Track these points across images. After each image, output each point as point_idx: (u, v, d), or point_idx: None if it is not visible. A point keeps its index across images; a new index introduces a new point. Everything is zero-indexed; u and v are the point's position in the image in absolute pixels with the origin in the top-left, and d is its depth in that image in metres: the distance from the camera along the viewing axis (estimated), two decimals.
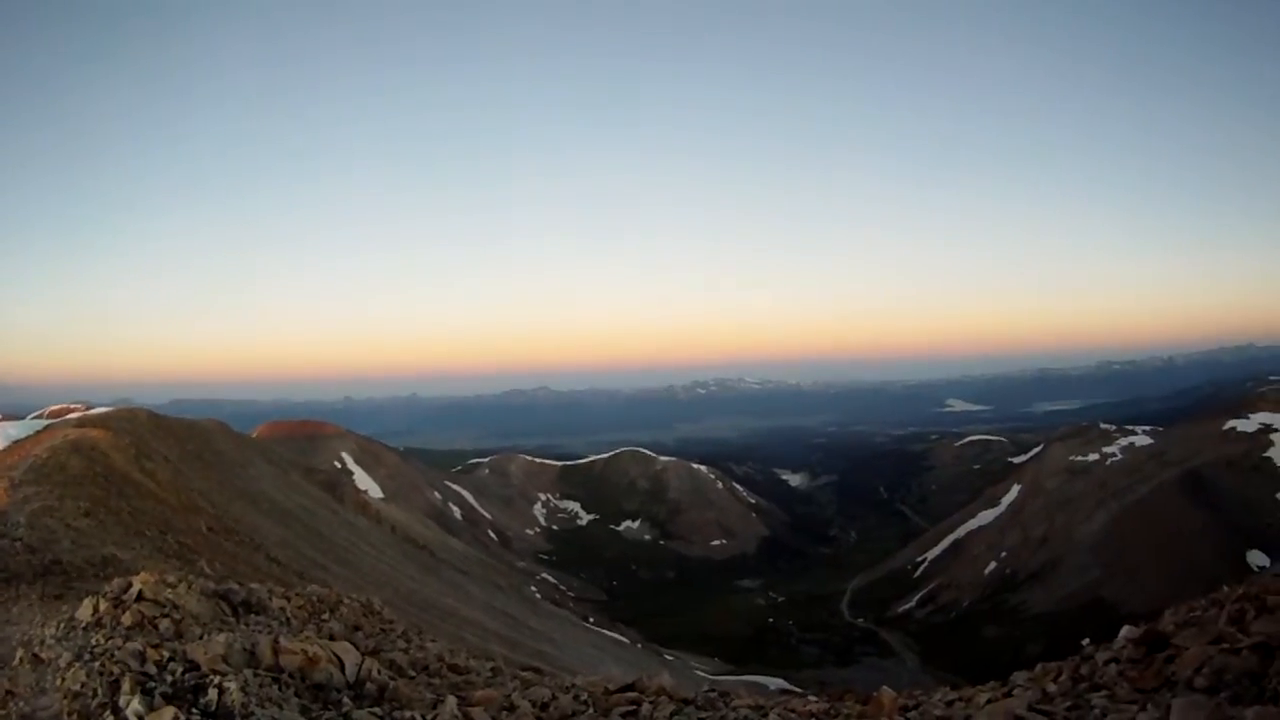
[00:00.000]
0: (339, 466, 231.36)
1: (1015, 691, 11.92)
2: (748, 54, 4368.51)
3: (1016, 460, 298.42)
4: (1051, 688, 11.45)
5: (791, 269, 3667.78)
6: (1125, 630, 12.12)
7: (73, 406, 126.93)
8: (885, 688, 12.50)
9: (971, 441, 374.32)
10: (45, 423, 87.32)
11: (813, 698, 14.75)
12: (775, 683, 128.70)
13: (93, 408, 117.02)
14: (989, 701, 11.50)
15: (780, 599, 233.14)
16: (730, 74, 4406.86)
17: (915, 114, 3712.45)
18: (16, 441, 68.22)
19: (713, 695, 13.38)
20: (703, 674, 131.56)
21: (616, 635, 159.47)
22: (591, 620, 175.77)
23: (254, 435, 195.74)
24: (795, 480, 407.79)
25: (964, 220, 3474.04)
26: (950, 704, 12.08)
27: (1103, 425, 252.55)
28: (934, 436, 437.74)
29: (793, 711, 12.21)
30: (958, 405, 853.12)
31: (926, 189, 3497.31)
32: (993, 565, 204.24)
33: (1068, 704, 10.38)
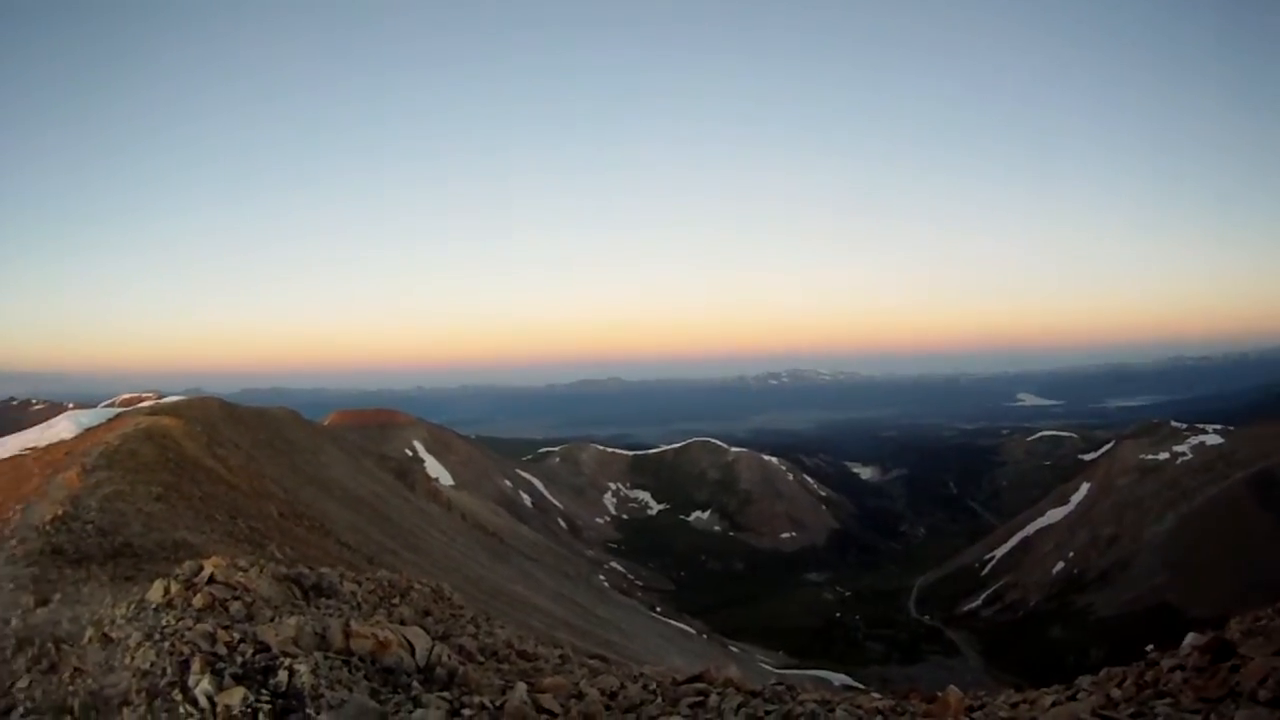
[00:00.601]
0: (410, 454, 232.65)
1: (1080, 695, 11.81)
2: (822, 38, 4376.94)
3: (1087, 457, 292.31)
4: (1116, 693, 11.32)
5: (865, 260, 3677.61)
6: (1190, 637, 12.00)
7: (144, 395, 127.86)
8: (952, 687, 12.43)
9: (1042, 437, 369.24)
10: (117, 411, 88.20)
11: (876, 695, 14.69)
12: (839, 679, 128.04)
13: (164, 397, 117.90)
14: (1054, 705, 11.42)
15: (847, 593, 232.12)
16: (801, 61, 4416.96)
17: (989, 106, 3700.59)
18: (89, 429, 68.97)
19: (780, 688, 13.23)
20: (767, 667, 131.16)
21: (683, 626, 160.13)
22: (659, 610, 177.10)
23: (325, 423, 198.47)
24: (866, 473, 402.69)
25: (1039, 213, 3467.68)
26: (1015, 706, 12.02)
27: (1174, 423, 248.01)
28: (1005, 431, 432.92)
29: (859, 708, 12.10)
30: (1029, 400, 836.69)
31: (1001, 182, 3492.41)
32: (1060, 565, 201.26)
33: (1132, 710, 10.28)
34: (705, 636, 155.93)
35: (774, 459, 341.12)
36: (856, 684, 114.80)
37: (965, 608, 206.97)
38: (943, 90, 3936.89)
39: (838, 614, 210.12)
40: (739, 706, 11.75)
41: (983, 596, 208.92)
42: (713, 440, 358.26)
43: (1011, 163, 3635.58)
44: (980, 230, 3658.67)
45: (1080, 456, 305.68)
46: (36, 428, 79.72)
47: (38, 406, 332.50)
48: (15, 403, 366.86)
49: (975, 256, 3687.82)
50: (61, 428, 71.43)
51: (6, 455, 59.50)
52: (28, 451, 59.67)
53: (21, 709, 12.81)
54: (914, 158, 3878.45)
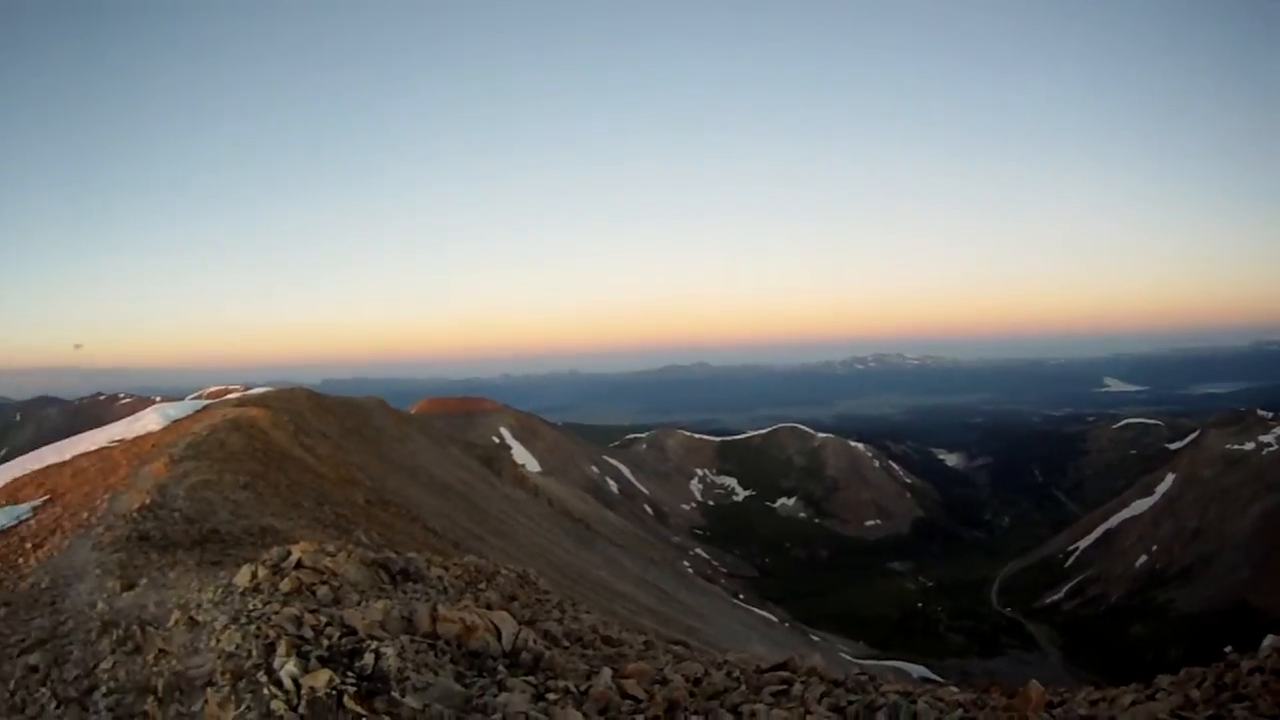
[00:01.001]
0: (497, 441, 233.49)
1: (1159, 695, 11.54)
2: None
3: (1173, 446, 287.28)
4: (1194, 694, 11.06)
5: (948, 242, 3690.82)
6: (1269, 640, 11.78)
7: (231, 388, 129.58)
8: (1034, 682, 12.31)
9: (1128, 424, 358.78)
10: (204, 403, 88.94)
11: (954, 689, 14.60)
12: (918, 670, 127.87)
13: (251, 388, 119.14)
14: (1133, 703, 11.26)
15: (930, 584, 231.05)
16: (878, 49, 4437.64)
17: (1062, 89, 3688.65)
18: (176, 421, 69.37)
19: (863, 678, 13.12)
20: (847, 657, 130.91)
21: (765, 614, 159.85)
22: (741, 597, 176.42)
23: (413, 411, 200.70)
24: (952, 460, 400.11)
25: (1125, 193, 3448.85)
26: (1094, 703, 11.88)
27: (1260, 412, 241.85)
28: (1090, 418, 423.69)
29: (940, 700, 11.98)
30: (1114, 385, 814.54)
31: (1086, 163, 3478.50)
32: (1143, 559, 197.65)
33: (1209, 713, 10.13)
34: (786, 625, 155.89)
35: (860, 445, 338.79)
36: (934, 676, 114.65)
37: (1047, 600, 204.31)
38: (1024, 71, 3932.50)
39: (919, 604, 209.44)
40: (822, 696, 11.68)
41: (1064, 589, 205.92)
42: (799, 426, 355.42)
43: (1096, 145, 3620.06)
44: (1065, 211, 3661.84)
45: (1166, 445, 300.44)
46: (124, 421, 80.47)
47: (125, 400, 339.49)
48: (103, 397, 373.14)
49: (1060, 238, 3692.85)
50: (149, 420, 71.69)
51: (94, 448, 59.76)
52: (115, 444, 59.96)
53: (104, 688, 13.25)
54: (999, 140, 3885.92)
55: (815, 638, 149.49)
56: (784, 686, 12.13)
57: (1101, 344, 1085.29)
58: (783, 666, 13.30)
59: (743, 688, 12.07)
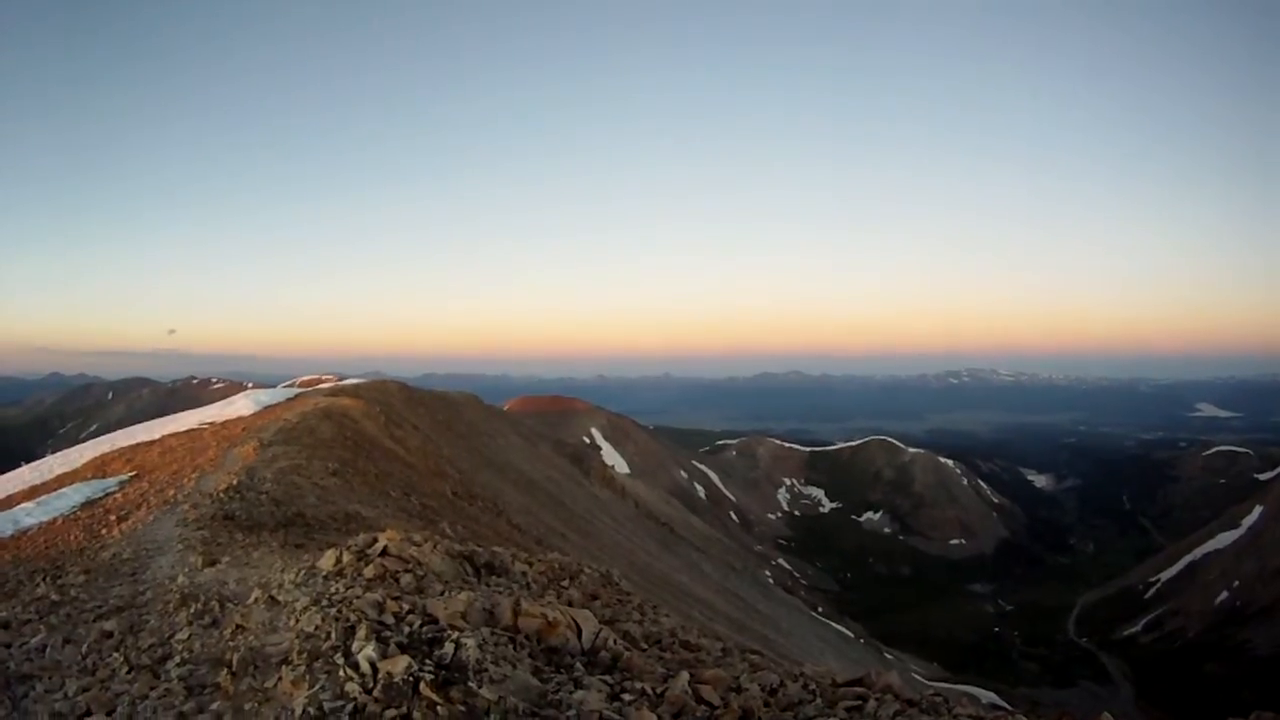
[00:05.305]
0: (588, 441, 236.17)
1: None
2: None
3: (1262, 477, 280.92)
4: None
5: (1046, 261, 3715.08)
6: None
7: (324, 377, 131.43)
8: (1106, 714, 12.18)
9: (1219, 452, 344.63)
10: (296, 391, 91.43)
11: (1022, 718, 14.52)
12: (988, 696, 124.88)
13: (344, 379, 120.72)
14: None
15: (1009, 608, 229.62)
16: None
17: (1161, 116, 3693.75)
18: (267, 407, 70.57)
19: (937, 700, 12.74)
20: (919, 677, 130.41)
21: (841, 628, 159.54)
22: (820, 611, 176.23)
23: (506, 408, 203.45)
24: (1040, 481, 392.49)
25: (1225, 215, 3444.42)
26: None
27: None
28: (1182, 444, 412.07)
29: None
30: (1207, 410, 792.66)
31: (1189, 183, 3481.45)
32: (1224, 595, 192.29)
33: None
34: (862, 641, 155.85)
35: (949, 461, 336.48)
36: (1003, 704, 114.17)
37: (1124, 633, 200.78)
38: (1133, 96, 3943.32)
39: (996, 629, 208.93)
40: (895, 714, 11.45)
41: (1143, 622, 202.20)
42: (890, 439, 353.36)
43: (1203, 166, 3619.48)
44: (1169, 233, 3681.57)
45: (1255, 476, 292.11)
46: (216, 404, 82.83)
47: (217, 385, 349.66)
48: (195, 381, 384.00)
49: (1162, 259, 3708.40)
50: (240, 405, 73.25)
51: (184, 429, 61.07)
52: (205, 426, 61.12)
53: (178, 658, 13.32)
54: (1100, 157, 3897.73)
55: (889, 656, 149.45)
56: (859, 702, 11.91)
57: (1198, 366, 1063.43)
58: (858, 682, 13.22)
59: (818, 701, 11.89)
